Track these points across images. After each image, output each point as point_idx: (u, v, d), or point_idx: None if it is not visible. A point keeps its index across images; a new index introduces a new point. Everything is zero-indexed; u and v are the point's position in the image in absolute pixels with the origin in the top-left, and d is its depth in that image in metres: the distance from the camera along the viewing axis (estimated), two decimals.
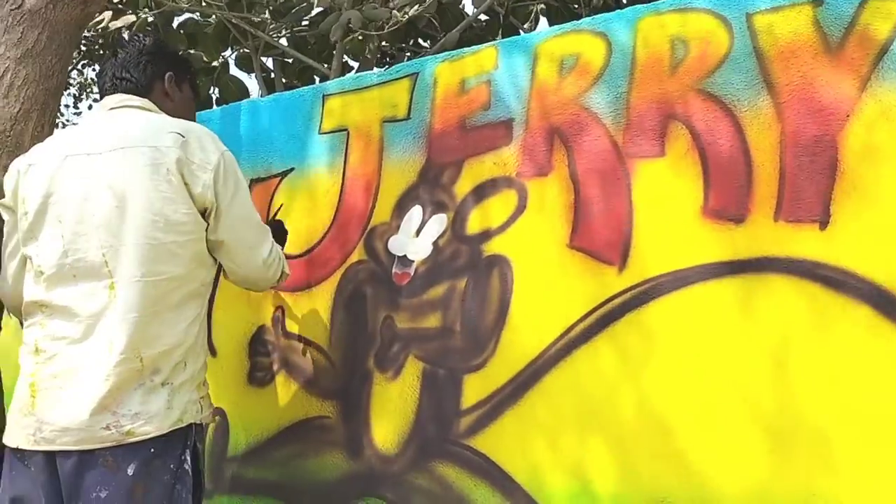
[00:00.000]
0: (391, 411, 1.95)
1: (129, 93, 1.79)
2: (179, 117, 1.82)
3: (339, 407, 2.05)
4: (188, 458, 1.63)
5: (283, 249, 2.10)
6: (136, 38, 1.86)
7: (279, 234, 2.14)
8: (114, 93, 1.79)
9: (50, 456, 1.58)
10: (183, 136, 1.66)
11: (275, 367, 2.19)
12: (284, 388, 2.16)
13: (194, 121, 1.98)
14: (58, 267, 1.63)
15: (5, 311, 1.93)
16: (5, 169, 1.77)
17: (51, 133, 1.92)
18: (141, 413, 1.56)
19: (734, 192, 1.56)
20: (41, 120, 1.86)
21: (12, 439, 1.62)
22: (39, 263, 1.65)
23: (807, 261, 1.46)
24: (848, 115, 1.46)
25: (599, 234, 1.71)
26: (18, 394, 1.64)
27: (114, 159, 1.64)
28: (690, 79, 1.64)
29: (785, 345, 1.47)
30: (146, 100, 1.79)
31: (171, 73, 1.85)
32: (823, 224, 1.46)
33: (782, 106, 1.53)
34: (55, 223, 1.64)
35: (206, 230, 1.70)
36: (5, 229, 1.76)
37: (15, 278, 1.74)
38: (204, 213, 1.69)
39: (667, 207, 1.63)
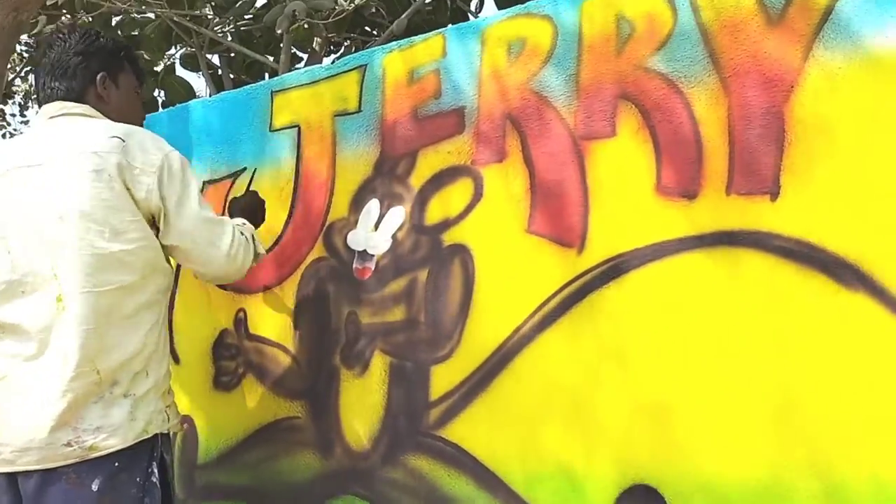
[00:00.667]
0: (361, 407, 1.94)
1: (64, 99, 1.74)
2: (123, 115, 1.77)
3: (308, 406, 2.03)
4: (155, 469, 1.61)
5: (263, 221, 2.06)
6: (60, 36, 1.79)
7: (252, 209, 2.07)
8: (50, 100, 1.74)
9: (12, 477, 1.56)
10: (123, 141, 1.62)
11: (240, 370, 2.16)
12: (251, 391, 2.14)
13: (141, 113, 1.94)
14: (5, 284, 1.60)
15: None
16: None
17: None
18: (103, 426, 1.53)
19: (686, 168, 1.57)
20: None
21: None
22: None
23: (760, 232, 1.48)
24: (793, 86, 1.47)
25: (557, 218, 1.71)
26: None
27: (55, 169, 1.61)
28: (637, 57, 1.64)
29: (746, 316, 1.49)
30: (86, 105, 1.74)
31: (103, 74, 1.78)
32: (774, 195, 1.47)
33: (728, 80, 1.54)
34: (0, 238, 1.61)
35: (158, 236, 1.67)
36: None
37: None
38: (152, 220, 1.65)
39: (621, 187, 1.64)
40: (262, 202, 2.11)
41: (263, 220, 2.09)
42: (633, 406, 1.59)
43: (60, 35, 1.80)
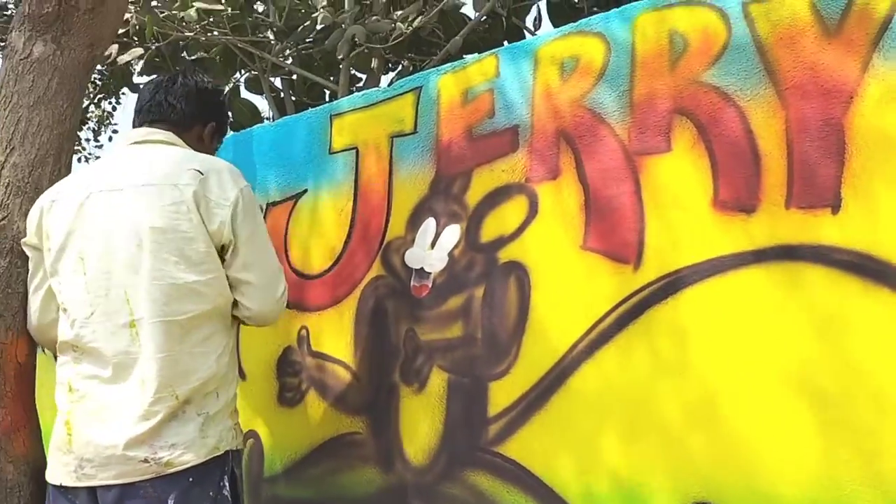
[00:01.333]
0: (419, 423, 1.96)
1: (164, 120, 1.81)
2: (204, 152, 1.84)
3: (369, 422, 2.07)
4: (226, 483, 1.66)
5: None
6: (197, 78, 1.90)
7: None
8: (149, 118, 1.81)
9: (92, 491, 1.62)
10: (202, 174, 1.68)
11: (303, 386, 2.22)
12: (314, 407, 2.19)
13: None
14: (81, 304, 1.66)
15: (38, 347, 1.98)
16: (26, 215, 1.81)
17: (68, 174, 1.95)
18: (178, 444, 1.59)
19: (744, 182, 1.55)
20: (57, 164, 1.90)
21: (55, 477, 1.67)
22: (63, 301, 1.69)
23: (821, 246, 1.46)
24: (852, 97, 1.45)
25: (612, 234, 1.71)
26: (56, 431, 1.68)
27: (135, 196, 1.66)
28: (691, 72, 1.64)
29: (807, 331, 1.46)
30: (171, 133, 1.80)
31: (213, 124, 1.89)
32: (835, 209, 1.45)
33: (785, 93, 1.52)
34: (77, 260, 1.67)
35: (225, 267, 1.71)
36: (30, 266, 1.80)
37: (41, 312, 1.78)
38: (221, 250, 1.70)
39: (677, 202, 1.63)
40: None
41: None
42: (691, 423, 1.57)
43: (199, 77, 1.92)
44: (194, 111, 1.85)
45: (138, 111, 1.85)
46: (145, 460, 1.57)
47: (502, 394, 1.83)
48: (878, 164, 1.41)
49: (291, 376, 2.25)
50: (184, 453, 1.59)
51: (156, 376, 1.60)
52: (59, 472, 1.66)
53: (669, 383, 1.60)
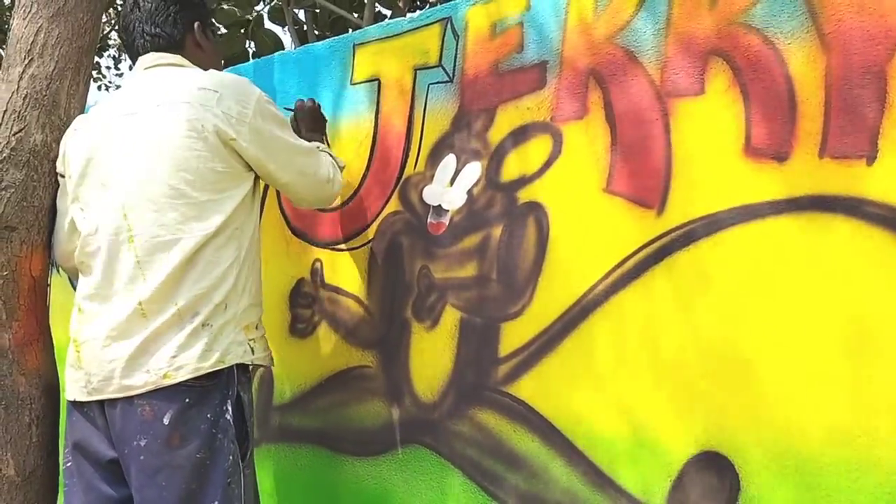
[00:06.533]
0: (430, 360, 1.96)
1: (162, 50, 1.80)
2: (210, 66, 1.83)
3: (379, 356, 2.07)
4: (229, 407, 1.65)
5: (325, 134, 2.17)
6: None
7: (318, 121, 2.15)
8: (146, 51, 1.80)
9: (102, 403, 1.64)
10: (217, 92, 1.66)
11: (315, 318, 2.22)
12: (325, 339, 2.19)
13: (221, 66, 1.99)
14: (98, 228, 1.67)
15: (53, 269, 1.99)
16: (44, 127, 1.80)
17: (86, 91, 1.94)
18: (178, 356, 1.59)
19: (777, 129, 1.50)
20: (76, 78, 1.87)
21: (69, 393, 1.71)
22: (83, 226, 1.70)
23: (853, 198, 1.41)
24: None
25: (637, 178, 1.67)
26: (69, 350, 1.70)
27: (150, 118, 1.67)
28: (731, 12, 1.57)
29: (836, 284, 1.43)
30: (178, 56, 1.80)
31: (199, 23, 1.85)
32: (871, 159, 1.40)
33: (828, 37, 1.46)
34: (98, 186, 1.69)
35: (264, 178, 1.77)
36: (59, 190, 1.84)
37: (68, 236, 1.80)
38: (252, 165, 1.72)
39: (707, 147, 1.58)
40: (323, 119, 2.17)
41: (326, 121, 2.18)
42: (706, 372, 1.55)
43: None
44: (175, 28, 1.81)
45: (133, 50, 1.83)
46: (147, 371, 1.58)
47: (514, 335, 1.82)
48: None
49: (304, 308, 2.25)
50: (184, 365, 1.59)
51: (158, 290, 1.60)
52: (72, 388, 1.70)
53: (686, 330, 1.58)
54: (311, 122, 2.11)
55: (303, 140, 1.86)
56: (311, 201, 1.90)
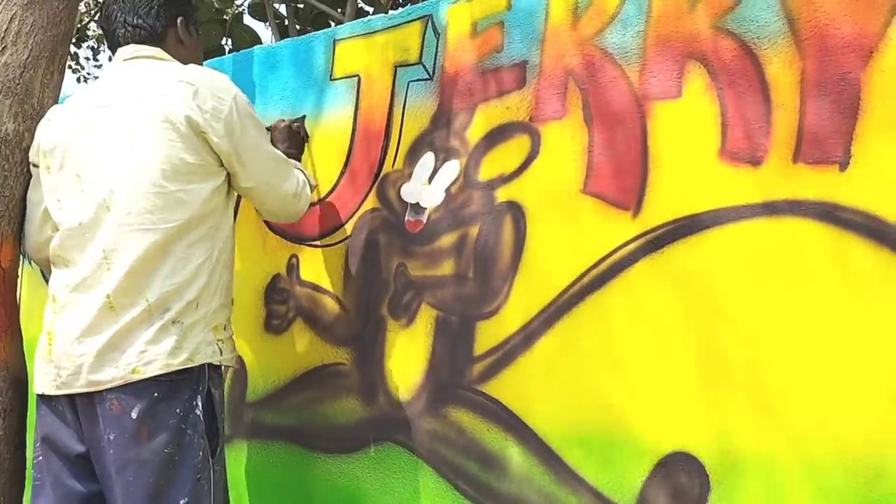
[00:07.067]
0: (405, 358, 1.96)
1: (143, 42, 1.78)
2: (191, 61, 1.81)
3: (354, 354, 2.06)
4: (199, 403, 1.64)
5: (303, 150, 2.14)
6: None
7: (295, 139, 2.11)
8: (126, 42, 1.78)
9: (72, 398, 1.62)
10: (193, 86, 1.65)
11: (290, 314, 2.20)
12: (300, 336, 2.18)
13: (202, 61, 1.97)
14: (72, 219, 1.65)
15: (24, 260, 1.95)
16: (16, 116, 1.77)
17: (61, 80, 1.91)
18: (148, 351, 1.57)
19: (752, 133, 1.52)
20: (50, 67, 1.84)
21: (38, 386, 1.68)
22: (60, 219, 1.68)
23: (826, 203, 1.43)
24: (872, 52, 1.41)
25: (614, 179, 1.68)
26: (40, 342, 1.68)
27: (125, 110, 1.65)
28: (709, 16, 1.58)
29: (805, 289, 1.44)
30: (158, 49, 1.78)
31: (182, 18, 1.83)
32: (843, 165, 1.41)
33: (804, 43, 1.47)
34: (73, 177, 1.68)
35: (230, 178, 1.73)
36: (32, 181, 1.81)
37: (39, 227, 1.78)
38: (222, 162, 1.70)
39: (683, 150, 1.60)
40: (301, 135, 2.14)
41: (303, 149, 2.14)
42: (680, 372, 1.56)
43: None
44: (157, 21, 1.79)
45: (111, 36, 1.81)
46: (116, 366, 1.56)
47: (490, 334, 1.82)
48: (892, 124, 1.38)
49: (279, 304, 2.23)
50: (153, 361, 1.57)
51: (130, 282, 1.58)
52: (40, 382, 1.68)
53: (661, 330, 1.59)
54: (288, 142, 2.07)
55: (275, 149, 1.83)
56: (274, 212, 1.86)
